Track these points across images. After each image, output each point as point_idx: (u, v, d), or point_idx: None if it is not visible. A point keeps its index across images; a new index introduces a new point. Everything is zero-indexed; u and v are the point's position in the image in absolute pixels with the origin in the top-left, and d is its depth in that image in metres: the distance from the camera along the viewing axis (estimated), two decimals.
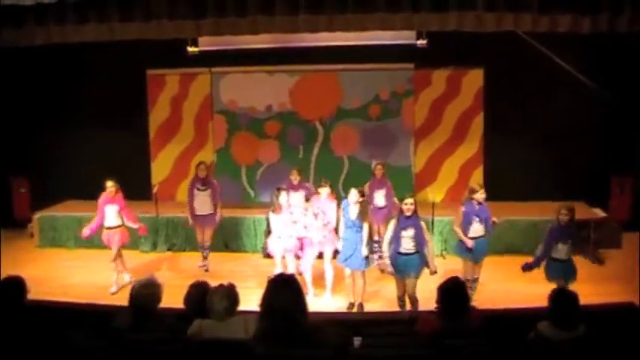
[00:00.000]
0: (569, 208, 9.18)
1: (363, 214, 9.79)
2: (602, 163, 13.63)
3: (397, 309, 9.49)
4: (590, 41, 11.31)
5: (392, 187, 12.06)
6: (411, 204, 9.16)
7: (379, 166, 12.18)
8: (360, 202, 9.80)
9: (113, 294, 10.83)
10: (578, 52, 12.85)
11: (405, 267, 9.22)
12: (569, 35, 9.52)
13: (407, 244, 9.18)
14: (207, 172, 12.15)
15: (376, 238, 11.93)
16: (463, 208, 9.96)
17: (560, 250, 9.13)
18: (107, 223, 11.09)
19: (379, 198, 12.00)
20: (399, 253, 9.21)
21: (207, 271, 12.04)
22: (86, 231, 11.18)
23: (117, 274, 11.18)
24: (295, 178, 11.92)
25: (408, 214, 9.16)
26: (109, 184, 11.04)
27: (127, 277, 11.28)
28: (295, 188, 11.49)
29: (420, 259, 9.20)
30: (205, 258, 12.25)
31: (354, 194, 9.82)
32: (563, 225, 9.12)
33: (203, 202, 11.96)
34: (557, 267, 9.16)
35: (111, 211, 11.05)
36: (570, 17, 8.90)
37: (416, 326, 5.97)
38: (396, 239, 9.21)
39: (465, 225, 9.90)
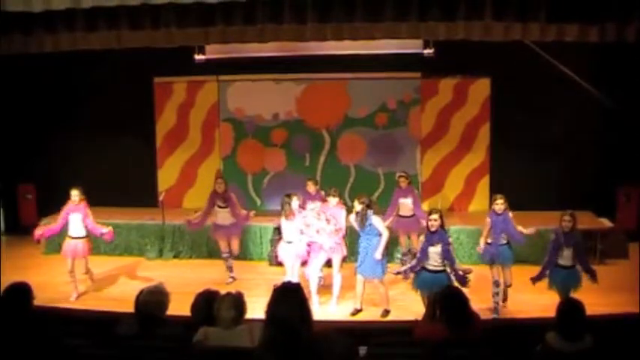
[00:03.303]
0: (572, 215, 9.27)
1: (361, 223, 9.89)
2: (609, 173, 13.60)
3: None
4: (597, 51, 11.33)
5: (418, 197, 12.09)
6: (435, 220, 9.12)
7: (402, 177, 12.20)
8: (360, 211, 9.87)
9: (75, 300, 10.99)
10: (586, 61, 12.85)
11: (431, 285, 8.61)
12: (577, 45, 9.52)
13: (434, 261, 9.13)
14: (226, 186, 11.99)
15: (401, 249, 12.03)
16: (487, 219, 10.09)
17: (566, 257, 9.23)
18: (71, 233, 11.02)
19: (404, 207, 12.04)
20: (426, 270, 9.19)
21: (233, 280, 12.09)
22: (38, 231, 11.27)
23: (75, 284, 11.15)
24: (312, 188, 11.97)
25: (433, 229, 9.13)
26: (74, 193, 10.94)
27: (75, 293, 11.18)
28: (313, 198, 11.58)
29: (446, 278, 9.02)
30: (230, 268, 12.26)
31: (355, 204, 9.97)
32: (567, 231, 9.20)
33: (224, 218, 11.91)
34: (561, 274, 9.24)
35: (75, 221, 10.95)
36: (578, 27, 8.89)
37: (414, 335, 5.96)
38: (424, 254, 9.18)
39: (490, 233, 10.04)
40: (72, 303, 10.57)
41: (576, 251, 9.27)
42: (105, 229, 11.20)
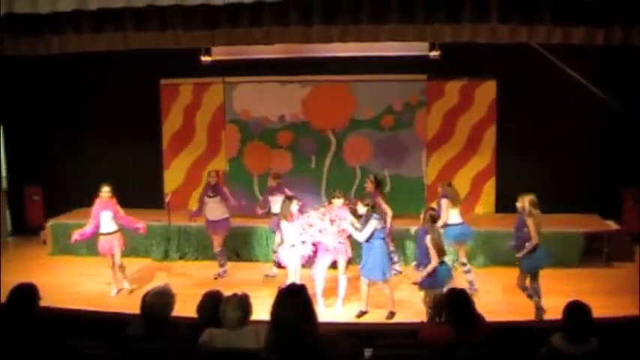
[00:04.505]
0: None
1: (365, 225, 9.89)
2: (615, 176, 13.56)
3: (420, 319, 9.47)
4: (603, 53, 11.30)
5: (381, 200, 11.99)
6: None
7: (368, 180, 12.25)
8: (365, 213, 9.88)
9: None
10: (591, 64, 12.82)
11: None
12: (583, 47, 9.51)
13: None
14: (218, 179, 12.32)
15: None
16: None
17: None
18: (103, 230, 11.12)
19: None
20: None
21: (216, 278, 12.17)
22: (76, 235, 11.19)
23: (121, 278, 11.35)
24: (272, 182, 12.33)
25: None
26: (105, 190, 11.08)
27: (126, 285, 11.43)
28: (274, 191, 12.09)
29: (447, 268, 9.48)
30: (221, 265, 12.35)
31: (359, 207, 10.02)
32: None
33: (211, 209, 12.17)
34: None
35: (106, 217, 11.08)
36: (584, 29, 8.88)
37: (419, 336, 5.95)
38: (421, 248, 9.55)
39: None
40: (78, 304, 10.50)
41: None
42: (140, 224, 11.46)
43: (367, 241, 9.83)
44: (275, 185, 12.22)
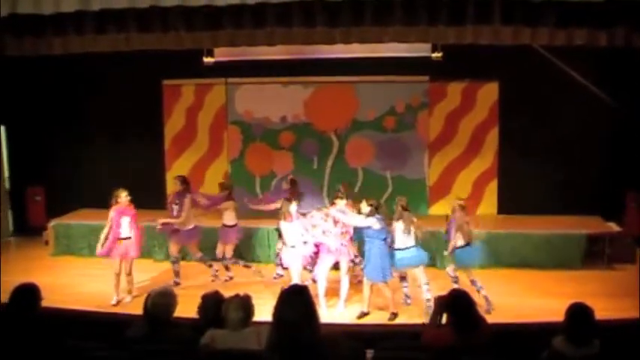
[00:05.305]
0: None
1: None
2: (617, 177, 13.54)
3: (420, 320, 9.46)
4: (606, 55, 11.30)
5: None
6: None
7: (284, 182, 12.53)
8: (367, 213, 9.88)
9: (114, 305, 10.68)
10: (594, 66, 12.82)
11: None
12: (586, 49, 9.51)
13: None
14: (186, 185, 11.76)
15: None
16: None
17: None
18: (122, 235, 10.86)
19: None
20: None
21: (214, 280, 11.98)
22: (102, 251, 10.84)
23: (125, 286, 11.05)
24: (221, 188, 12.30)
25: None
26: (124, 194, 10.84)
27: (128, 298, 11.00)
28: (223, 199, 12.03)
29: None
30: (209, 266, 12.10)
31: (364, 205, 9.99)
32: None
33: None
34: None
35: (125, 222, 10.87)
36: (587, 31, 8.87)
37: (422, 339, 5.94)
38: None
39: None
40: (79, 305, 10.48)
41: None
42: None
43: (368, 237, 9.88)
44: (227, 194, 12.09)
